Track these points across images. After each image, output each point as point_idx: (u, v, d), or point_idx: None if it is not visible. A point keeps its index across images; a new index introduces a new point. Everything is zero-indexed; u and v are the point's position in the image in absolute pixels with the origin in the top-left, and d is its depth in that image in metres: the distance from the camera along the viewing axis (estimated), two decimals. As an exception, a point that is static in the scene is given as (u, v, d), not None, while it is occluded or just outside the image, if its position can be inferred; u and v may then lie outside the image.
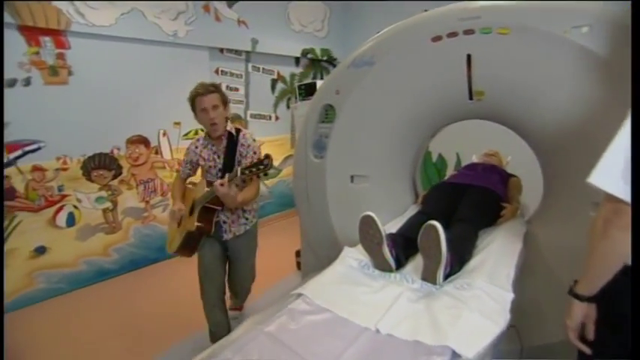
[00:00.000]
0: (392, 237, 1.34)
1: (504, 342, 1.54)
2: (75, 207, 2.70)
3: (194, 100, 1.66)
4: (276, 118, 4.16)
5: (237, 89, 3.75)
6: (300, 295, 1.15)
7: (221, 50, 3.54)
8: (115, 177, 2.88)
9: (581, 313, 0.92)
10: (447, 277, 1.21)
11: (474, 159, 2.42)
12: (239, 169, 1.49)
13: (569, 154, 1.48)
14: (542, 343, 1.54)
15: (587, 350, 0.93)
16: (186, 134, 3.30)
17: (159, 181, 3.16)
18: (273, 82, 4.10)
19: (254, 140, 1.77)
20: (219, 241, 1.80)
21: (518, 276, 1.29)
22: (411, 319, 1.01)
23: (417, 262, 1.33)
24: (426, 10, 1.73)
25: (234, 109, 3.76)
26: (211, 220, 1.72)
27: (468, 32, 1.51)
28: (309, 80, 4.36)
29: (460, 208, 1.62)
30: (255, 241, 1.93)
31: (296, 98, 4.26)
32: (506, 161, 2.38)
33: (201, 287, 1.82)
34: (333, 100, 1.90)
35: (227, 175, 1.55)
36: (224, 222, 1.77)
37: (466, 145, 2.99)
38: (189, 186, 1.93)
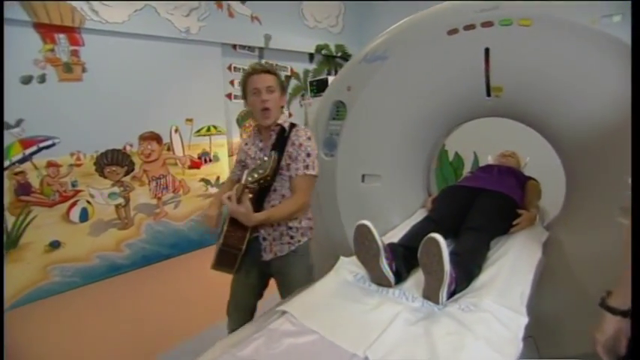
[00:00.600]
0: (392, 248, 1.23)
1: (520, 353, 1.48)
2: (88, 202, 2.73)
3: (246, 80, 1.40)
4: (290, 114, 4.12)
5: (249, 86, 3.71)
6: (284, 313, 1.02)
7: (234, 46, 3.52)
8: (127, 173, 2.90)
9: (614, 327, 0.85)
10: (452, 294, 1.08)
11: (489, 160, 2.30)
12: (245, 176, 1.22)
13: (595, 154, 1.38)
14: (561, 355, 1.45)
15: None
16: (198, 131, 3.30)
17: (171, 178, 3.17)
18: (287, 79, 4.06)
19: (309, 139, 1.41)
20: (257, 262, 1.46)
21: (534, 293, 1.16)
22: (406, 345, 0.88)
23: (419, 276, 1.19)
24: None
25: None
26: (243, 236, 1.36)
27: (487, 24, 1.43)
28: (322, 77, 4.31)
29: (471, 215, 1.48)
30: (306, 264, 1.52)
31: (306, 94, 4.22)
32: (524, 163, 2.25)
33: (228, 309, 1.61)
34: (344, 96, 1.85)
35: (235, 188, 1.27)
36: (264, 239, 1.44)
37: (484, 143, 2.89)
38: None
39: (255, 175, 1.22)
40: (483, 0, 1.47)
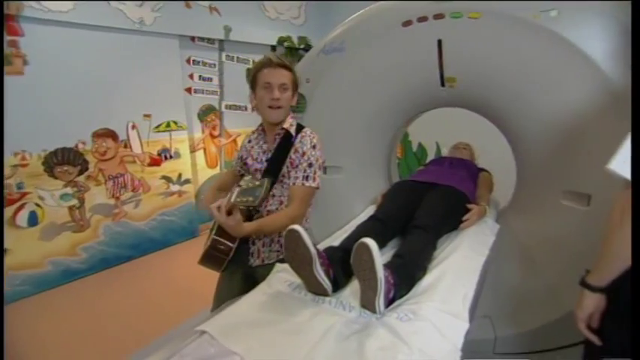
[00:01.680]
0: (329, 253, 1.13)
1: (478, 332, 1.55)
2: (37, 205, 2.56)
3: (257, 71, 1.28)
4: (253, 108, 4.05)
5: (210, 79, 3.62)
6: (202, 333, 0.91)
7: (192, 39, 3.40)
8: (81, 173, 2.74)
9: (593, 304, 0.90)
10: (392, 301, 1.01)
11: (444, 152, 2.37)
12: (234, 192, 1.08)
13: (541, 141, 1.46)
14: (516, 332, 1.54)
15: (597, 342, 0.91)
16: (157, 127, 3.17)
17: (129, 176, 3.03)
18: (249, 72, 3.98)
19: (314, 147, 1.31)
20: (244, 266, 1.40)
21: (480, 293, 1.16)
22: None
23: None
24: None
25: (208, 100, 3.64)
26: (232, 242, 1.28)
27: (439, 17, 1.47)
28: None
29: (419, 212, 1.40)
30: None
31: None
32: (478, 154, 2.26)
33: (212, 309, 1.50)
34: (303, 89, 1.83)
35: (226, 198, 1.13)
36: (253, 243, 1.37)
37: (446, 134, 2.98)
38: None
39: (244, 200, 1.07)
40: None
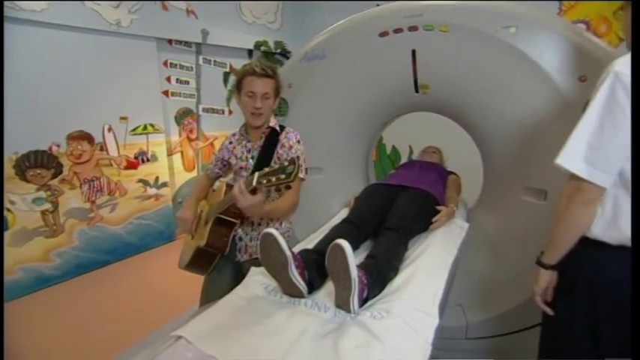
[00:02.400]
0: (304, 255, 1.16)
1: (451, 319, 1.68)
2: (8, 209, 2.47)
3: (242, 78, 1.37)
4: (230, 112, 4.07)
5: (187, 82, 3.61)
6: (179, 338, 0.92)
7: (169, 41, 3.39)
8: (54, 176, 2.67)
9: (546, 280, 1.03)
10: (366, 300, 1.05)
11: (416, 155, 2.48)
12: (256, 175, 1.13)
13: (504, 142, 1.62)
14: (486, 317, 1.69)
15: (550, 312, 1.04)
16: (134, 130, 3.14)
17: (105, 180, 2.98)
18: (226, 75, 4.00)
19: (298, 142, 1.44)
20: (232, 263, 1.46)
21: (449, 290, 1.22)
22: None
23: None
24: (378, 4, 1.79)
25: (185, 103, 3.63)
26: (227, 235, 1.38)
27: (413, 29, 1.59)
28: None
29: (390, 214, 1.45)
30: None
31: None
32: (446, 157, 2.37)
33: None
34: (285, 93, 1.91)
35: (242, 181, 1.20)
36: (240, 239, 1.45)
37: (419, 137, 3.14)
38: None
39: (274, 179, 1.08)
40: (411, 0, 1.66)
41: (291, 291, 1.09)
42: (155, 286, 2.68)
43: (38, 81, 2.54)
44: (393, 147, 4.23)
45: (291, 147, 1.41)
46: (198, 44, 3.63)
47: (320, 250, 1.18)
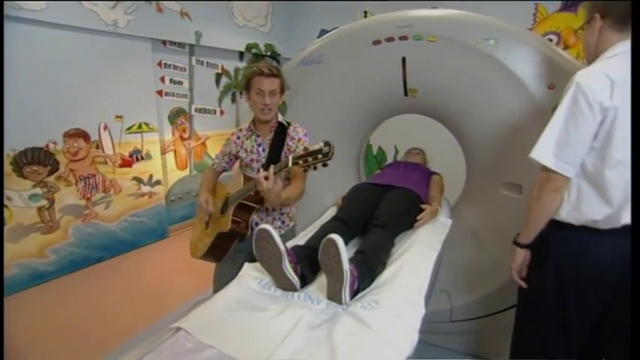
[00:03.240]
0: (296, 251, 1.22)
1: (437, 304, 1.84)
2: (5, 206, 2.49)
3: (251, 78, 1.47)
4: (221, 112, 4.16)
5: (181, 83, 3.69)
6: (178, 329, 0.95)
7: (164, 42, 3.46)
8: (51, 173, 2.70)
9: (522, 257, 1.21)
10: (356, 293, 1.11)
11: (399, 157, 2.59)
12: (290, 157, 1.20)
13: (483, 142, 1.78)
14: (468, 300, 1.85)
15: (524, 285, 1.22)
16: (129, 128, 3.19)
17: (100, 177, 3.02)
18: (218, 76, 4.09)
19: (306, 135, 1.57)
20: (247, 248, 1.49)
21: (434, 283, 1.32)
22: (307, 350, 0.88)
23: (325, 278, 1.18)
24: (365, 12, 1.94)
25: (179, 103, 3.70)
26: (247, 220, 1.50)
27: (403, 38, 1.75)
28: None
29: (378, 212, 1.53)
30: None
31: (241, 93, 4.30)
32: (429, 158, 2.45)
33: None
34: (284, 95, 2.03)
35: (272, 167, 1.28)
36: (256, 223, 1.56)
37: (404, 138, 3.31)
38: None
39: (313, 160, 1.15)
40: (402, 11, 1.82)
41: (285, 285, 1.13)
42: (148, 282, 2.74)
43: (36, 79, 2.58)
44: (380, 147, 4.40)
45: (300, 139, 1.54)
46: (191, 45, 3.71)
47: (311, 247, 1.24)
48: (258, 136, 1.58)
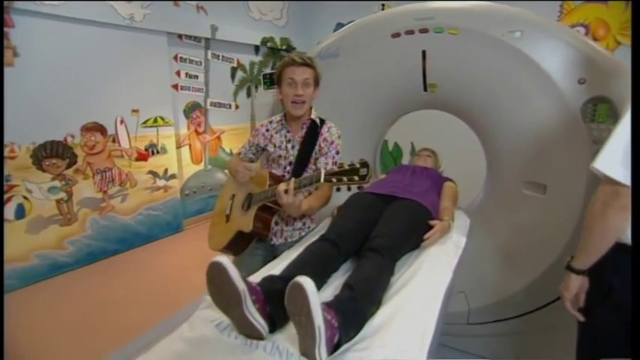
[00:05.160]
0: (267, 285, 0.96)
1: (454, 306, 1.79)
2: (25, 198, 2.55)
3: (282, 69, 1.39)
4: (237, 106, 4.15)
5: (196, 77, 3.69)
6: None
7: (180, 36, 3.46)
8: (69, 166, 2.75)
9: (577, 285, 1.02)
10: (338, 346, 0.85)
11: (404, 162, 2.37)
12: (322, 173, 1.11)
13: (506, 139, 1.71)
14: (486, 303, 1.79)
15: (581, 318, 1.04)
16: (144, 122, 3.21)
17: (117, 171, 3.06)
18: (233, 70, 4.08)
19: (339, 138, 1.45)
20: (266, 245, 1.49)
21: (442, 321, 1.06)
22: None
23: None
24: (383, 4, 1.88)
25: (194, 97, 3.71)
26: (269, 222, 1.42)
27: (423, 31, 1.68)
28: (269, 69, 4.40)
29: (375, 231, 1.24)
30: None
31: (256, 87, 4.30)
32: (442, 162, 2.14)
33: None
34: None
35: (292, 181, 1.19)
36: (276, 223, 1.48)
37: (421, 134, 3.22)
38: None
39: (344, 179, 1.07)
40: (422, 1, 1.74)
41: (247, 331, 0.89)
42: (163, 275, 2.77)
43: (55, 73, 2.62)
44: (395, 144, 4.32)
45: (332, 142, 1.43)
46: (207, 39, 3.70)
47: (288, 278, 0.92)
48: (288, 131, 1.48)
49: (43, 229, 2.66)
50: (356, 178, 1.05)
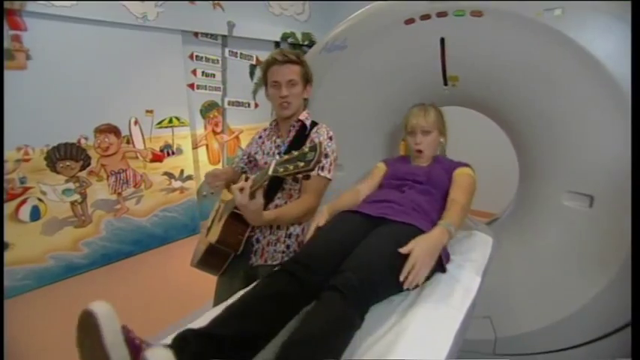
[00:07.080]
0: (177, 344, 0.73)
1: (478, 332, 1.55)
2: (40, 200, 2.57)
3: (266, 70, 1.29)
4: (256, 105, 4.05)
5: (213, 75, 3.61)
6: None
7: (195, 34, 3.39)
8: (83, 168, 2.75)
9: None
10: None
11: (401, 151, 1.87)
12: (272, 164, 0.96)
13: (543, 140, 1.45)
14: (516, 333, 1.54)
15: None
16: (159, 123, 3.17)
17: (131, 172, 3.04)
18: (252, 68, 3.97)
19: (330, 139, 1.30)
20: (244, 266, 1.28)
21: None
22: None
23: None
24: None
25: (211, 96, 3.64)
26: (242, 233, 1.20)
27: (441, 14, 1.46)
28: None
29: (345, 263, 0.90)
30: None
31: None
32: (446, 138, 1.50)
33: None
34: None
35: (251, 177, 1.03)
36: (257, 241, 1.29)
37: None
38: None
39: (293, 167, 0.92)
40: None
41: None
42: (178, 278, 2.71)
43: (68, 75, 2.61)
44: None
45: (320, 143, 1.23)
46: (224, 37, 3.61)
47: (209, 333, 0.73)
48: (278, 136, 1.36)
49: (58, 231, 2.68)
50: (301, 164, 0.90)
